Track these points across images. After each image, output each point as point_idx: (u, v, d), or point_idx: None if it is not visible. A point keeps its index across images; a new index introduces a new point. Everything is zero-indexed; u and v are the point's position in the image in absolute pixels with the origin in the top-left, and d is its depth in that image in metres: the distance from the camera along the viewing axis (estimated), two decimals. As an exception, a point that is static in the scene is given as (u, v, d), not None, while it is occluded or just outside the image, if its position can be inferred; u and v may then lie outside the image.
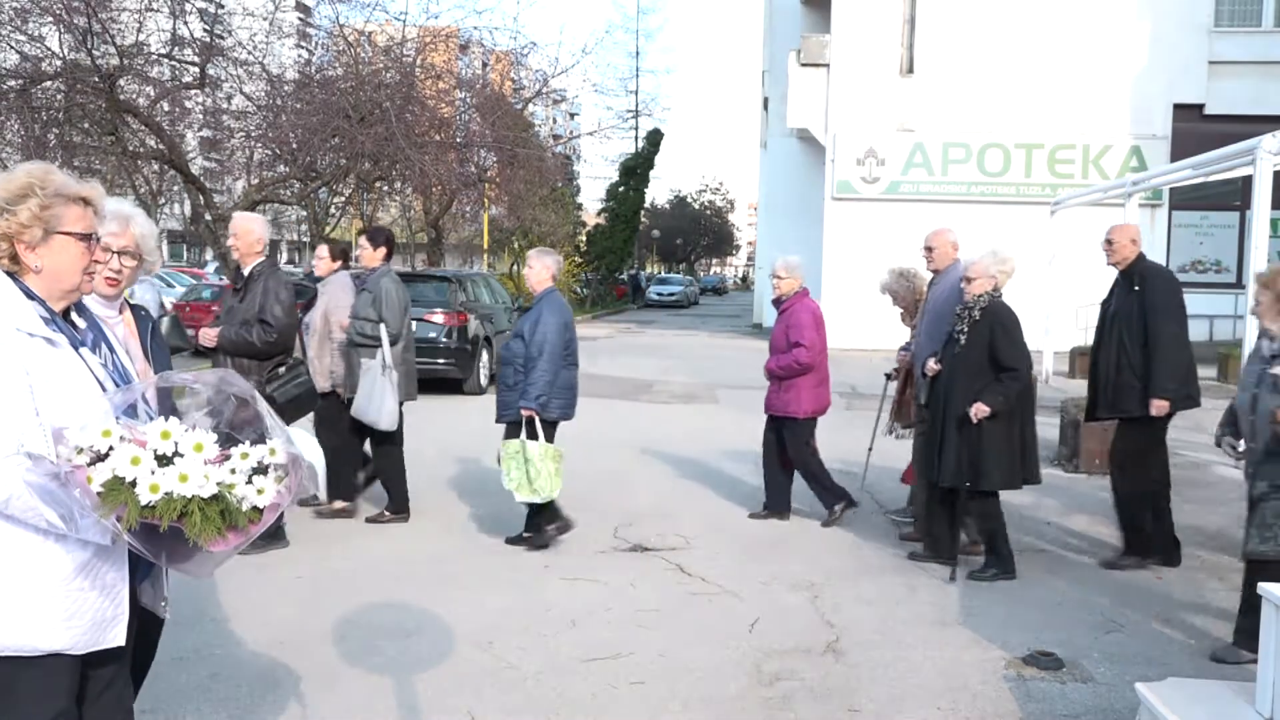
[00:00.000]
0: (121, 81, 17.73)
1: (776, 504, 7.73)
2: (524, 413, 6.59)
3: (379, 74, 20.93)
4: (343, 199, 28.56)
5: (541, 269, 6.94)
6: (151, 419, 2.37)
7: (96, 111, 18.04)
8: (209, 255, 42.06)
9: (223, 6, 23.51)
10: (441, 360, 14.26)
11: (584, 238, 48.39)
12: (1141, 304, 6.59)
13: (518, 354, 6.72)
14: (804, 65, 25.71)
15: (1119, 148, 24.50)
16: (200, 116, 24.52)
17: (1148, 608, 5.83)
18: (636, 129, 51.39)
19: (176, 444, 2.28)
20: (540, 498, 6.64)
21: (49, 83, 17.29)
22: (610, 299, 46.23)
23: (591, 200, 58.03)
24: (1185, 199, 23.25)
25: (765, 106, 34.35)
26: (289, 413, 6.27)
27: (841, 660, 5.00)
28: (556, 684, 4.68)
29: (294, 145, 19.46)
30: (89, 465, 2.23)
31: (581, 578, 6.25)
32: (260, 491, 2.35)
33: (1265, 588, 3.63)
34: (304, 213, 32.51)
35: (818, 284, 21.84)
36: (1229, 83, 24.11)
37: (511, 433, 6.69)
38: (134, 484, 2.23)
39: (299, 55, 28.05)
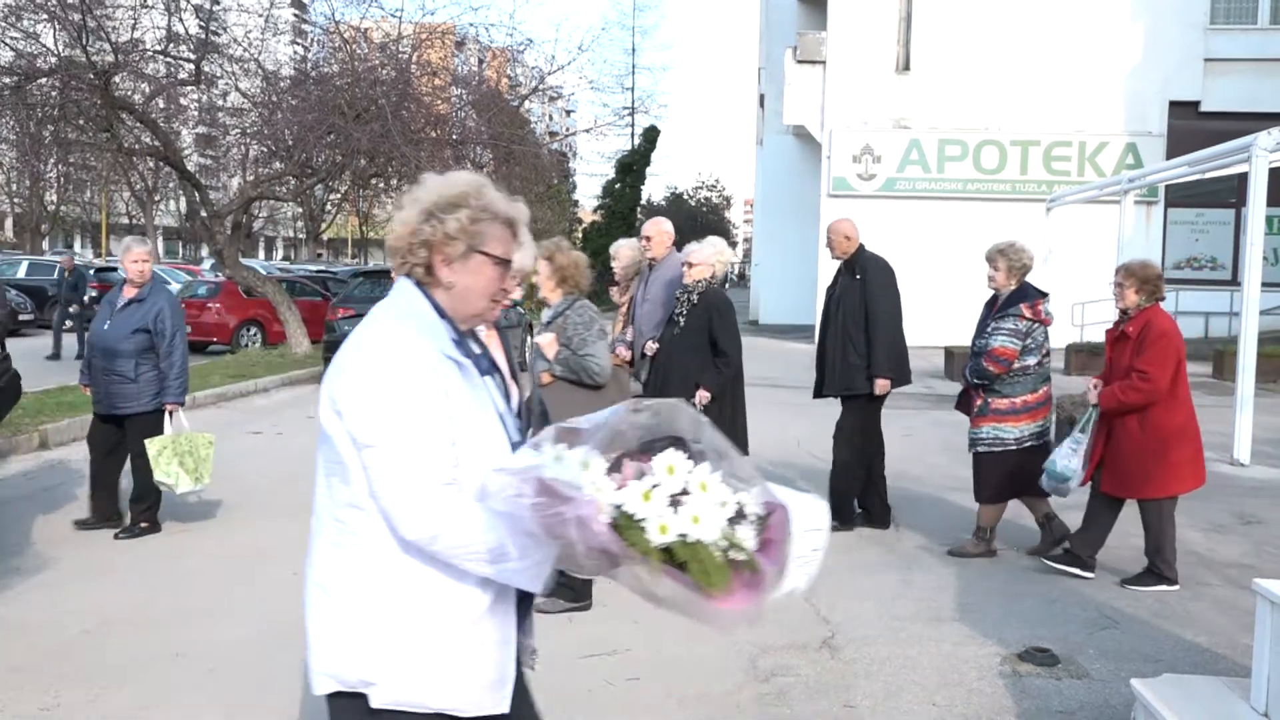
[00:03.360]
0: (117, 78, 17.69)
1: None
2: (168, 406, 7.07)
3: (375, 71, 20.86)
4: (339, 196, 28.55)
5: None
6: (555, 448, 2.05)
7: (92, 108, 17.99)
8: (204, 252, 42.02)
9: (218, 3, 23.45)
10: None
11: (580, 235, 48.37)
12: (862, 291, 7.19)
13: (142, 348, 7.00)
14: (800, 62, 25.73)
15: (1115, 145, 24.53)
16: (195, 113, 24.48)
17: (1143, 604, 5.84)
18: (633, 126, 51.38)
19: (686, 482, 1.96)
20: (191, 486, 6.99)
21: (44, 79, 17.22)
22: (604, 297, 46.17)
23: (588, 197, 58.01)
24: (1181, 196, 23.29)
25: (761, 104, 34.39)
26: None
27: (837, 656, 5.00)
28: (553, 680, 4.67)
29: (289, 142, 19.42)
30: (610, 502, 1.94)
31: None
32: (738, 543, 2.00)
33: (1259, 584, 3.64)
34: (300, 210, 32.48)
35: (813, 282, 21.86)
36: (1225, 80, 24.13)
37: (143, 429, 6.98)
38: (643, 523, 1.93)
39: (295, 52, 28.04)
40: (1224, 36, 24.46)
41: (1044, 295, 6.71)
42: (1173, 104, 24.32)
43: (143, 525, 7.06)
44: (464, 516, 2.10)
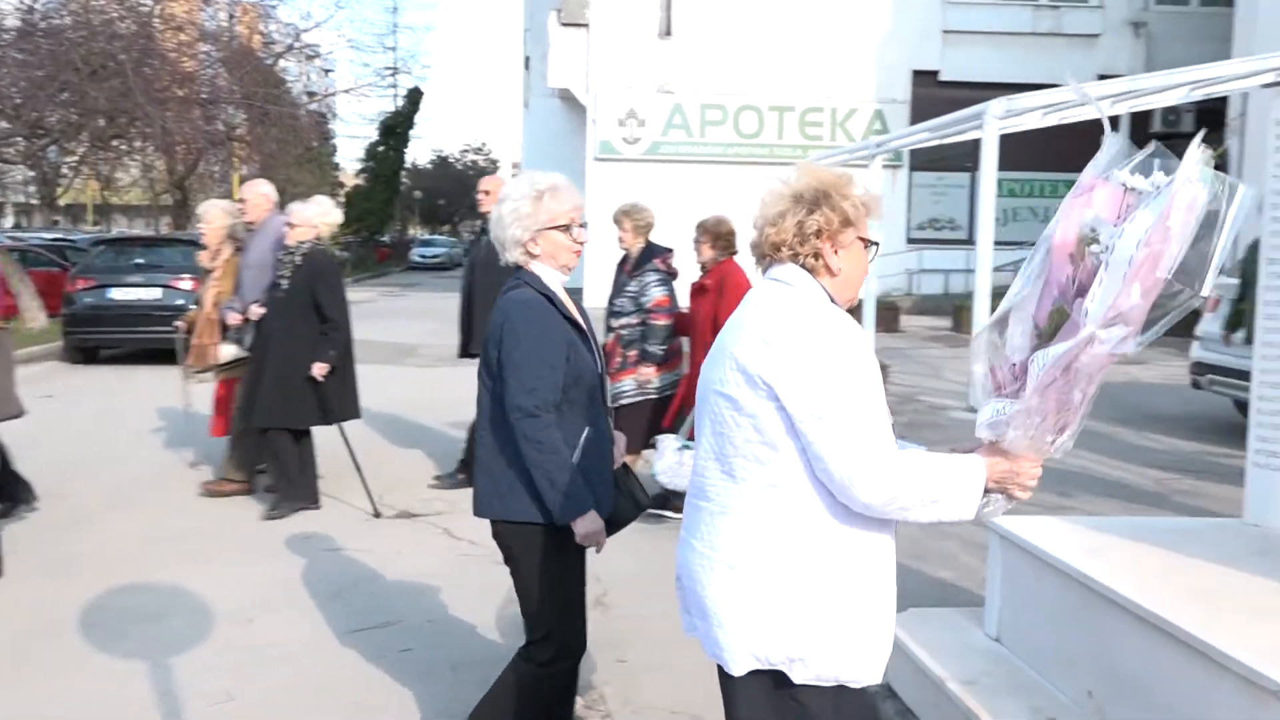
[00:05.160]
0: None
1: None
2: None
3: (112, 24, 19.49)
4: (76, 158, 26.57)
5: None
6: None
7: None
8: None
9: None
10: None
11: (343, 199, 46.92)
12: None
13: None
14: (564, 25, 25.68)
15: (863, 111, 25.71)
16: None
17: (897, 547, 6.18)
18: (395, 87, 50.09)
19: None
20: None
21: None
22: (371, 262, 45.07)
23: (350, 161, 56.17)
24: (923, 161, 24.64)
25: (527, 66, 34.17)
26: None
27: (609, 613, 5.10)
28: (321, 658, 4.58)
29: (17, 100, 17.93)
30: None
31: (346, 548, 6.12)
32: None
33: (990, 520, 3.93)
34: (32, 173, 30.12)
35: (582, 244, 21.95)
36: (961, 51, 25.68)
37: None
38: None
39: (19, 1, 25.84)
40: (961, 10, 25.99)
41: (669, 250, 6.90)
42: (915, 73, 25.69)
43: None
44: (913, 475, 2.17)
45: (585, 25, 25.42)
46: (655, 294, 6.72)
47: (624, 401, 6.73)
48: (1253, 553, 3.56)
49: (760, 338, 2.25)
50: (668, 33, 25.36)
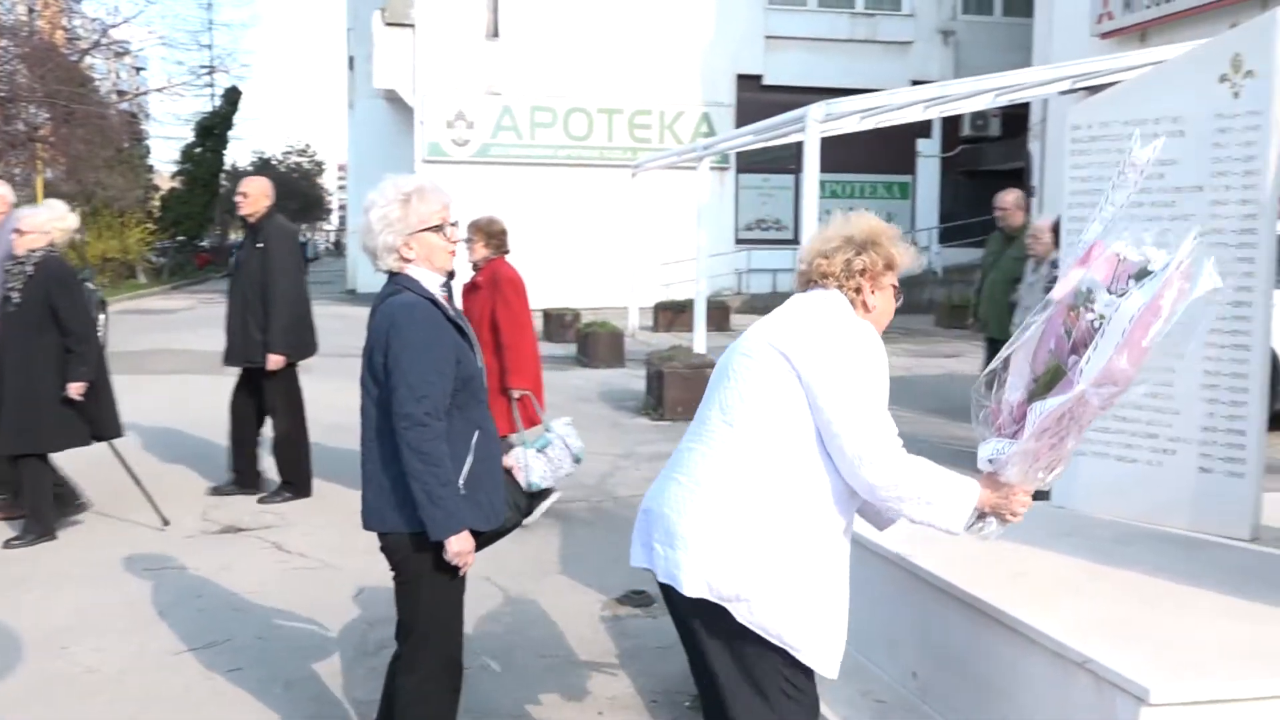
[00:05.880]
0: None
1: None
2: None
3: (-106, 16, 18.19)
4: None
5: None
6: None
7: None
8: None
9: None
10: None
11: (158, 203, 44.90)
12: (263, 261, 7.05)
13: None
14: (389, 24, 25.22)
15: (691, 114, 26.12)
16: None
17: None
18: (212, 86, 48.17)
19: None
20: None
21: None
22: (191, 268, 43.29)
23: (165, 163, 53.79)
24: (750, 163, 25.19)
25: (351, 66, 33.36)
26: None
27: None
28: (143, 682, 4.38)
29: None
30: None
31: (168, 567, 5.86)
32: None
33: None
34: None
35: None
36: (783, 56, 26.37)
37: None
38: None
39: None
40: (781, 16, 26.68)
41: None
42: (740, 77, 26.24)
43: None
44: (917, 471, 2.46)
45: (411, 25, 25.01)
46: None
47: None
48: (1060, 534, 3.78)
49: (797, 322, 2.60)
50: (495, 34, 25.20)
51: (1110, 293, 2.38)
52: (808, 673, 2.55)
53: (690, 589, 2.50)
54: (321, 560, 5.97)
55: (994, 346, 8.18)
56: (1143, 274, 2.37)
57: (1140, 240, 2.42)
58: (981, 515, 2.54)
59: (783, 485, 2.48)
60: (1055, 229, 7.53)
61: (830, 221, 2.76)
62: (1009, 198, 8.84)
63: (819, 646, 2.51)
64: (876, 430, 2.44)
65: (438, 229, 3.17)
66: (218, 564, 5.91)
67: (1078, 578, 3.16)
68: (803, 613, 2.48)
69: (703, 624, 2.55)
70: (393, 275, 3.20)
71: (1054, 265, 7.31)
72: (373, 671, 4.45)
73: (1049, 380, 2.46)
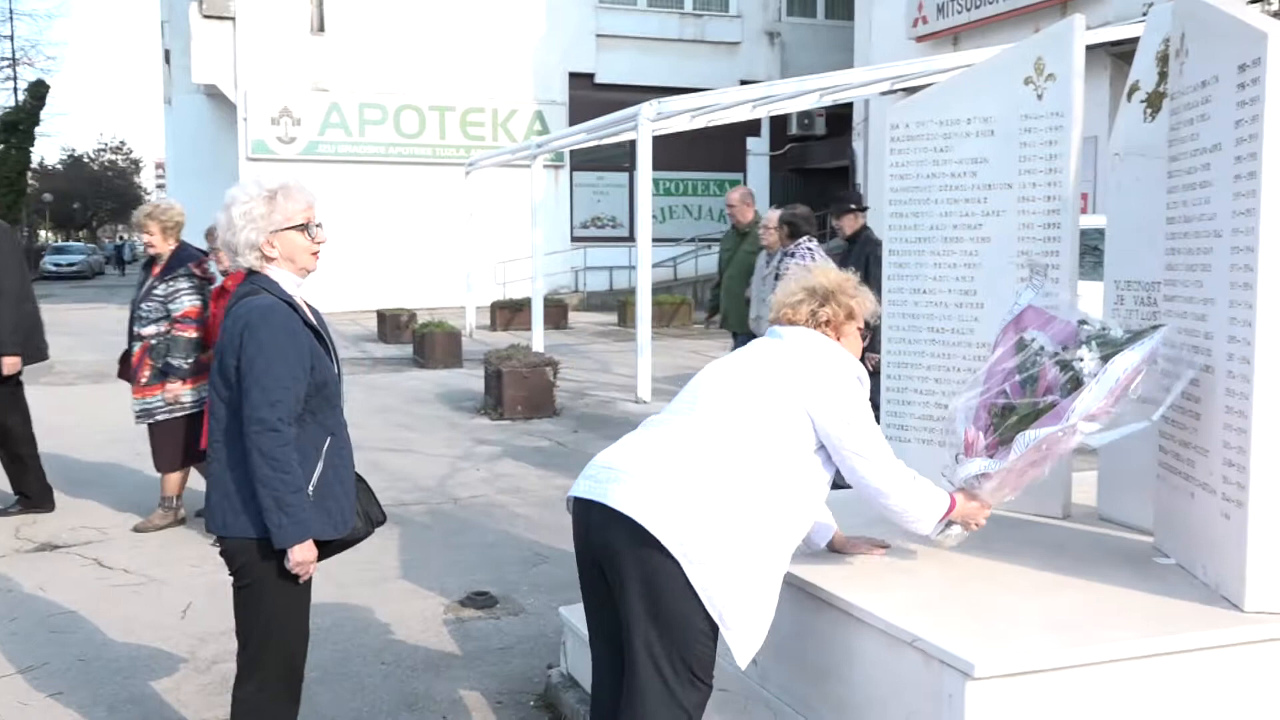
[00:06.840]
0: None
1: None
2: None
3: None
4: None
5: None
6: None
7: None
8: None
9: None
10: None
11: (-43, 203, 42.16)
12: None
13: None
14: (207, 17, 24.33)
15: (524, 112, 26.06)
16: None
17: (569, 539, 6.33)
18: (15, 80, 45.56)
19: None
20: None
21: None
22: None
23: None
24: (583, 161, 25.32)
25: (167, 60, 32.02)
26: None
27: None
28: (-49, 713, 4.12)
29: None
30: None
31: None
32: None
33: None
34: None
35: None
36: (614, 54, 26.57)
37: None
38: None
39: None
40: (612, 15, 26.88)
41: (206, 254, 6.62)
42: (572, 75, 26.33)
43: None
44: (919, 492, 2.91)
45: (231, 18, 24.18)
46: (185, 303, 6.35)
47: (158, 418, 6.38)
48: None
49: (816, 375, 2.84)
50: (320, 29, 24.59)
51: (1067, 349, 2.99)
52: (713, 659, 2.67)
53: (620, 504, 2.61)
54: (146, 575, 5.72)
55: (738, 341, 8.46)
56: (1102, 339, 2.95)
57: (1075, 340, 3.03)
58: (950, 523, 3.00)
59: (764, 475, 2.69)
60: (784, 221, 7.84)
61: (791, 275, 3.07)
62: (736, 194, 9.23)
63: (746, 631, 2.62)
64: (877, 445, 2.82)
65: (302, 228, 3.08)
66: (33, 584, 5.59)
67: (906, 561, 3.29)
68: (747, 593, 2.60)
69: (626, 563, 2.63)
70: (251, 275, 3.10)
71: (788, 256, 7.56)
72: (203, 689, 4.30)
73: (1032, 415, 2.96)
